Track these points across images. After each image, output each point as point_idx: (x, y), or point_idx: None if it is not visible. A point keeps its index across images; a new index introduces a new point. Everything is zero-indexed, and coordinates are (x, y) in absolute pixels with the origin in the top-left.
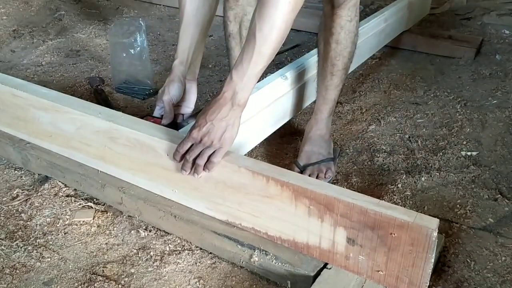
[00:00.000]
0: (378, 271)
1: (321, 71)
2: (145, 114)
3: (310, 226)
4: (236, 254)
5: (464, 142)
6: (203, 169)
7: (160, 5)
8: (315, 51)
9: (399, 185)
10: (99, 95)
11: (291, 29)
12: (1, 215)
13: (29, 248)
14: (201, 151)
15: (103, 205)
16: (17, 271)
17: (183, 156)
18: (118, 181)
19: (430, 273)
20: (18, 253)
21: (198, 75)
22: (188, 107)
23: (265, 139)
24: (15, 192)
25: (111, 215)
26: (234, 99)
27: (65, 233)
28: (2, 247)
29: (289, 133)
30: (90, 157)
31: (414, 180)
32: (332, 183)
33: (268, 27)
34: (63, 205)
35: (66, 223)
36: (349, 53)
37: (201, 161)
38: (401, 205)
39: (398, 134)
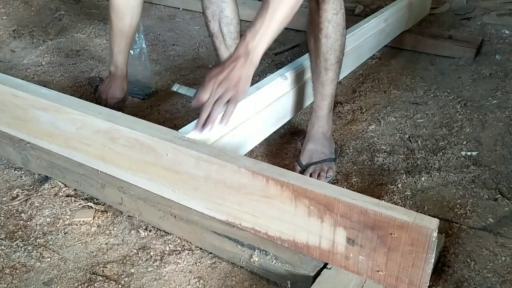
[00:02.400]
0: (378, 271)
1: (315, 68)
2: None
3: (310, 226)
4: (236, 254)
5: (464, 142)
6: (220, 122)
7: (160, 5)
8: None
9: (399, 185)
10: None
11: (291, 29)
12: (1, 215)
13: (29, 248)
14: (218, 97)
15: (103, 205)
16: (17, 271)
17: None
18: (118, 181)
19: (430, 273)
20: (18, 253)
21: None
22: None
23: (265, 139)
24: (15, 192)
25: (111, 215)
26: (247, 55)
27: (65, 233)
28: (2, 247)
29: (289, 133)
30: (90, 157)
31: (414, 180)
32: (332, 183)
33: None
34: (63, 205)
35: (66, 223)
36: (340, 46)
37: (218, 106)
38: (401, 205)
39: (398, 134)
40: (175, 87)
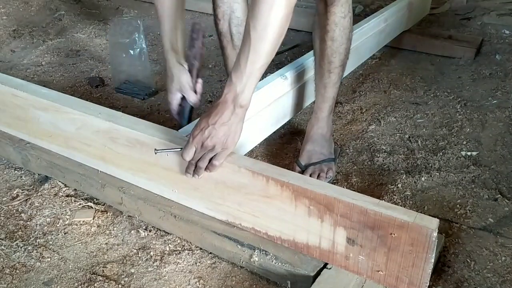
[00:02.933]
0: (378, 271)
1: (319, 70)
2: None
3: (310, 226)
4: (236, 254)
5: (464, 142)
6: (205, 170)
7: None
8: None
9: (399, 185)
10: None
11: (291, 29)
12: (1, 215)
13: (29, 248)
14: (203, 155)
15: (103, 205)
16: (17, 271)
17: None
18: (118, 181)
19: (430, 273)
20: (18, 253)
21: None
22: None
23: (265, 139)
24: (15, 192)
25: (111, 215)
26: (236, 101)
27: (65, 233)
28: (2, 247)
29: (289, 133)
30: (90, 157)
31: (414, 180)
32: (332, 183)
33: (262, 25)
34: (63, 205)
35: (66, 223)
36: (345, 50)
37: (203, 164)
38: (401, 205)
39: (398, 134)
40: (156, 152)
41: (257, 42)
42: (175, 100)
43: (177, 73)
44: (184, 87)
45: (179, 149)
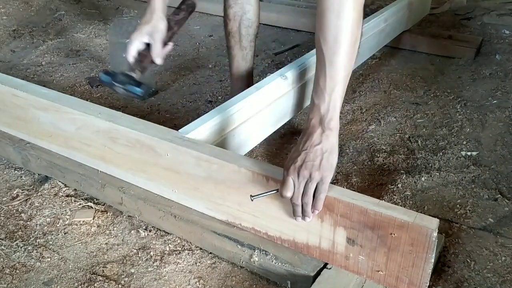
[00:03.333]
0: (378, 271)
1: None
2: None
3: (310, 226)
4: (236, 254)
5: (464, 142)
6: (312, 210)
7: None
8: (315, 50)
9: (399, 185)
10: None
11: (291, 29)
12: (1, 215)
13: (29, 248)
14: (304, 189)
15: (103, 205)
16: (17, 271)
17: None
18: (118, 181)
19: (430, 273)
20: (18, 253)
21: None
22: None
23: (265, 139)
24: (15, 192)
25: (111, 215)
26: (323, 122)
27: (65, 233)
28: (2, 247)
29: (289, 133)
30: (90, 157)
31: (414, 180)
32: (332, 183)
33: (332, 36)
34: (63, 205)
35: (66, 223)
36: None
37: (308, 200)
38: (401, 205)
39: (398, 134)
40: (252, 199)
41: (332, 56)
42: (138, 41)
43: (156, 18)
44: (157, 33)
45: (276, 191)
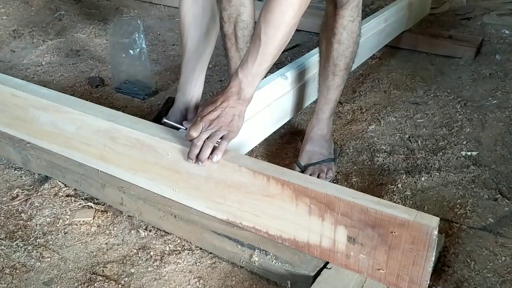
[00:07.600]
0: (379, 269)
1: (323, 71)
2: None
3: (311, 225)
4: (236, 254)
5: (464, 142)
6: (208, 158)
7: (160, 5)
8: (315, 50)
9: (399, 185)
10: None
11: None
12: (1, 215)
13: (29, 248)
14: (210, 134)
15: (103, 205)
16: (17, 271)
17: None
18: (118, 181)
19: (431, 272)
20: (18, 253)
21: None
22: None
23: (265, 139)
24: (15, 192)
25: (111, 215)
26: (240, 94)
27: (65, 233)
28: (2, 247)
29: (289, 133)
30: (90, 157)
31: (414, 180)
32: (332, 183)
33: (273, 31)
34: (63, 205)
35: (66, 223)
36: (351, 53)
37: (209, 143)
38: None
39: (398, 134)
40: (163, 122)
41: (266, 46)
42: (178, 113)
43: (193, 100)
44: (191, 114)
45: (185, 128)
